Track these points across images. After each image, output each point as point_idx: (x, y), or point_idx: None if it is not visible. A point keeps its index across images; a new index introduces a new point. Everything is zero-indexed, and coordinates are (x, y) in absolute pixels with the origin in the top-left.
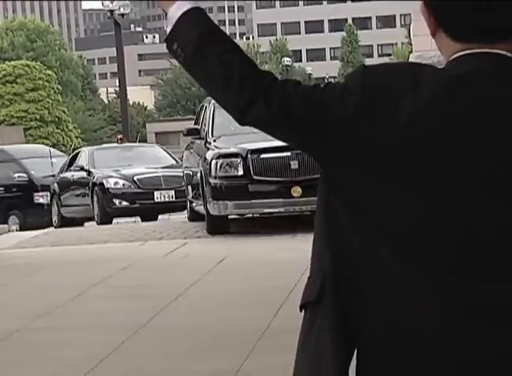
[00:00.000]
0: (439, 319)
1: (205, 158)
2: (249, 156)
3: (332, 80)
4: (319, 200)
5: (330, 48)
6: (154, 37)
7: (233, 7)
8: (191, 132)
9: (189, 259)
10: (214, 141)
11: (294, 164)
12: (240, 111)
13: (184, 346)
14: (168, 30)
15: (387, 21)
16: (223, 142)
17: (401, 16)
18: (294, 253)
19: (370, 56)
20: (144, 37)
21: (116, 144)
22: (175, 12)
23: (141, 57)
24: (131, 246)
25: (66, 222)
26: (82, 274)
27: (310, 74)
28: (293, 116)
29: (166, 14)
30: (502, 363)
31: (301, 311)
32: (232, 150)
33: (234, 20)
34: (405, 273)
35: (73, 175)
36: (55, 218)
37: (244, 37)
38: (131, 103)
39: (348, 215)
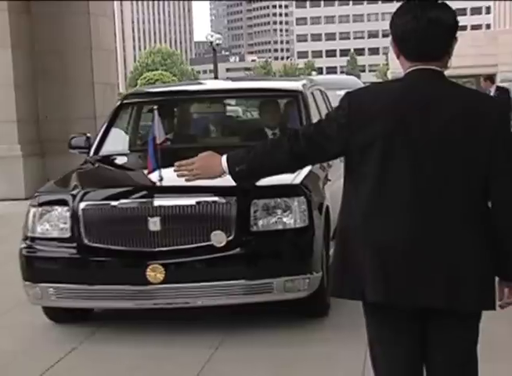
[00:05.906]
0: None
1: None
2: (79, 204)
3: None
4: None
5: (340, 66)
6: (236, 58)
7: (282, 41)
8: (77, 145)
9: None
10: (95, 162)
11: (155, 223)
12: (293, 157)
13: None
14: (229, 171)
15: (374, 51)
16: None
17: (383, 48)
18: None
19: (363, 71)
20: (230, 58)
21: None
22: (224, 165)
23: (227, 70)
24: None
25: None
26: None
27: None
28: (314, 141)
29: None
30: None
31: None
32: (57, 194)
33: (283, 49)
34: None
35: None
36: None
37: (289, 59)
38: None
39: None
